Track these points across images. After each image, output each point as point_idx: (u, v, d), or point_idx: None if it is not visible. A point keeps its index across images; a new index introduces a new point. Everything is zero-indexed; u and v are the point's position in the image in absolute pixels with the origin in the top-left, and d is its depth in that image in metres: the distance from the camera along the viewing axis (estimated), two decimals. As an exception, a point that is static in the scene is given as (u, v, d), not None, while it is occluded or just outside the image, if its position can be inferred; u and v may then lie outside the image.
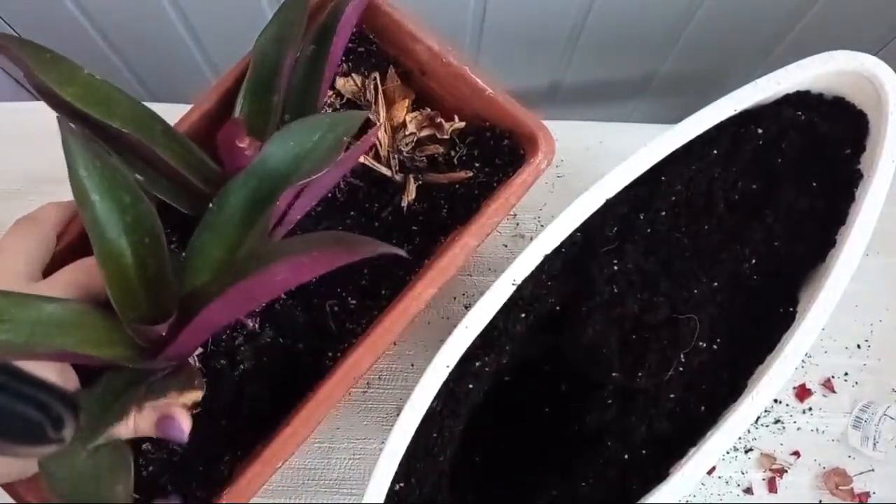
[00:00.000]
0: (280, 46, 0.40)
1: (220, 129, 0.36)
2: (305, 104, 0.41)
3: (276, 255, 0.28)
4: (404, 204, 0.43)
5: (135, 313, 0.33)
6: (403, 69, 0.46)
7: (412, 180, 0.43)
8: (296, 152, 0.37)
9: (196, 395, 0.32)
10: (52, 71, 0.33)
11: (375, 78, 0.45)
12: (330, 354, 0.41)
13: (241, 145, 0.35)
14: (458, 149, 0.45)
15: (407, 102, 0.45)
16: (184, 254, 0.36)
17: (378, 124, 0.44)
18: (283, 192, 0.34)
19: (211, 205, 0.36)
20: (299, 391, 0.38)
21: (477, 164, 0.44)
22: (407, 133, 0.44)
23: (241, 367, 0.40)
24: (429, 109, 0.45)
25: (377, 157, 0.44)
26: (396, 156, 0.44)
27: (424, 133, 0.45)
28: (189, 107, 0.41)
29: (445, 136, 0.44)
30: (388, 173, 0.44)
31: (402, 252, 0.29)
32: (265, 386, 0.40)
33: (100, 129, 0.35)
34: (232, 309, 0.32)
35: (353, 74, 0.45)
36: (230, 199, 0.37)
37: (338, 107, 0.45)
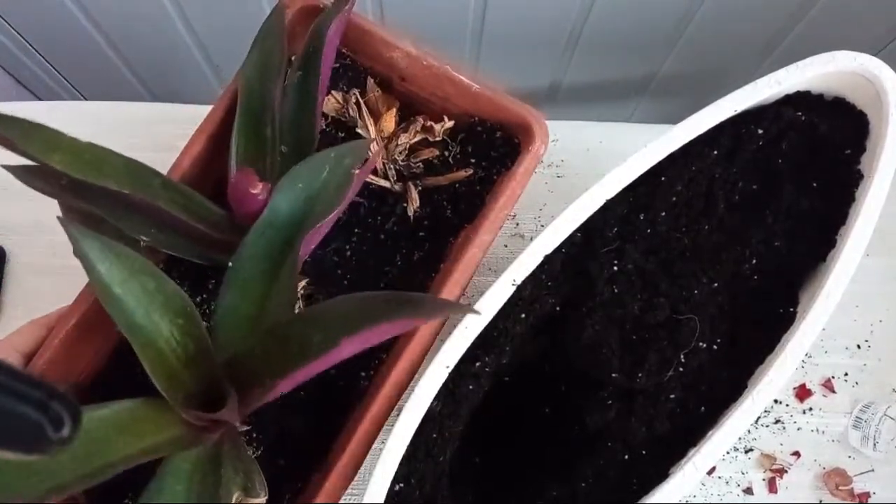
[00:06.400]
0: (265, 77, 0.39)
1: (212, 170, 0.34)
2: (301, 134, 0.40)
3: (343, 331, 0.27)
4: (410, 212, 0.43)
5: (181, 393, 0.33)
6: (382, 78, 0.46)
7: (412, 187, 0.43)
8: (306, 194, 0.36)
9: (260, 501, 0.31)
10: (34, 140, 0.32)
11: (356, 94, 0.44)
12: (363, 374, 0.40)
13: (255, 192, 0.35)
14: (451, 148, 0.45)
15: (393, 111, 0.45)
16: (212, 317, 0.35)
17: (377, 147, 0.43)
18: (300, 238, 0.34)
19: (230, 263, 0.36)
20: (340, 415, 0.38)
21: (473, 161, 0.44)
22: (399, 142, 0.44)
23: (279, 402, 0.39)
24: (419, 118, 0.45)
25: (374, 171, 0.44)
26: (392, 166, 0.44)
27: (416, 139, 0.44)
28: (191, 107, 0.41)
29: (437, 138, 0.44)
30: (388, 184, 0.43)
31: (473, 311, 0.29)
32: (306, 416, 0.39)
33: (97, 191, 0.33)
34: (295, 383, 0.31)
35: (332, 92, 0.44)
36: (248, 253, 0.36)
37: (324, 126, 0.45)
